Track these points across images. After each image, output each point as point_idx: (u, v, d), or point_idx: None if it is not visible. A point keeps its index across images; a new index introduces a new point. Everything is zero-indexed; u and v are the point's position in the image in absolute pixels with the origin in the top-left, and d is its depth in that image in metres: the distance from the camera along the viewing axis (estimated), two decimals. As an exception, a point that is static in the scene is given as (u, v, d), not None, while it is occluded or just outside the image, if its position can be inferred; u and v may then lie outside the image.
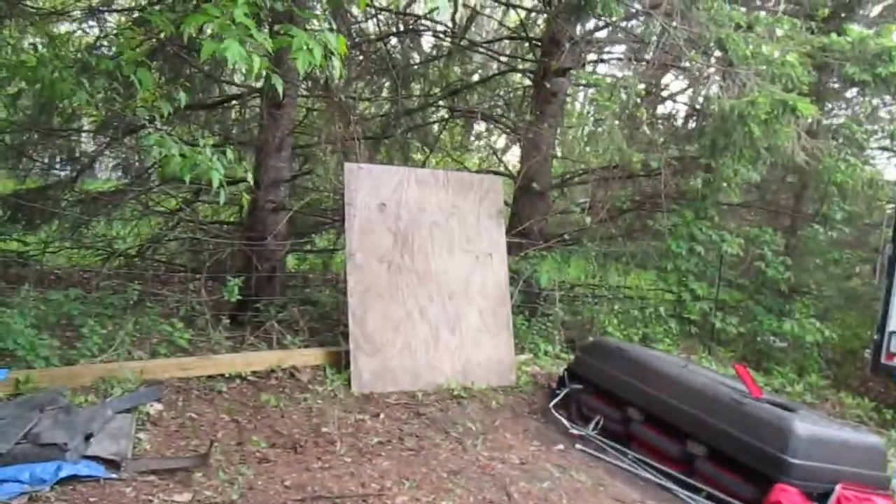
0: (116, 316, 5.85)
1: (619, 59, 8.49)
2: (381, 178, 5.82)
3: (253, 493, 3.64)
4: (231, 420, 4.62)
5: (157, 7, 6.41)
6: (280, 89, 3.17)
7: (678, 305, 7.88)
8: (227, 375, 5.22)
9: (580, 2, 5.63)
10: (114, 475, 3.64)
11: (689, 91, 10.31)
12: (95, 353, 5.15)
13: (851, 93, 9.50)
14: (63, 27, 8.42)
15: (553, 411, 5.51)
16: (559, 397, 5.66)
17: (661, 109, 10.98)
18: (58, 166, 8.91)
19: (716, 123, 5.83)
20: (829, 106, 9.87)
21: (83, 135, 8.83)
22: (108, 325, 5.64)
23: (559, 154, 9.03)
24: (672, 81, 10.92)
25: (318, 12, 3.06)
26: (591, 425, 5.27)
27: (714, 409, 4.55)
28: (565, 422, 5.35)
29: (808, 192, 9.51)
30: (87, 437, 3.86)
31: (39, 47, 3.80)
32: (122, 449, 3.86)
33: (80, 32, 8.69)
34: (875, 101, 8.86)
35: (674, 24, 5.63)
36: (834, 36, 6.60)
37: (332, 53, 3.00)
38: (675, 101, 10.62)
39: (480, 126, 10.20)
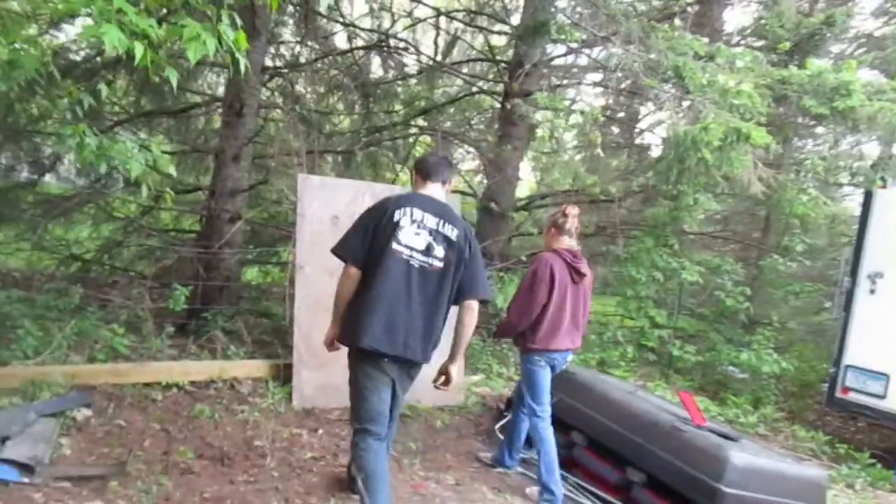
0: (60, 319, 5.73)
1: (585, 85, 8.55)
2: (336, 190, 5.77)
3: (168, 504, 3.54)
4: (161, 429, 4.51)
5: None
6: (174, 81, 3.13)
7: (637, 332, 7.86)
8: (164, 384, 5.11)
9: (535, 25, 5.66)
10: (26, 480, 3.53)
11: (661, 122, 10.49)
12: (30, 355, 5.04)
13: (819, 129, 9.64)
14: (32, 31, 8.38)
15: (498, 433, 5.43)
16: (506, 419, 5.59)
17: (639, 140, 11.14)
18: (20, 168, 8.81)
19: (671, 149, 5.87)
20: (798, 141, 10.02)
21: (47, 137, 8.76)
22: (52, 328, 5.53)
23: (525, 177, 9.06)
24: (651, 112, 11.07)
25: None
26: (535, 449, 5.20)
27: (654, 435, 4.48)
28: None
29: (773, 224, 9.59)
30: (3, 440, 3.76)
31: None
32: (39, 454, 3.75)
33: (48, 37, 8.67)
34: (836, 137, 8.97)
35: (631, 49, 5.67)
36: (794, 69, 6.69)
37: (233, 48, 2.96)
38: (653, 133, 10.75)
39: (451, 146, 10.22)
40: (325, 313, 5.45)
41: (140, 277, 6.80)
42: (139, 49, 2.75)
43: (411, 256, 3.39)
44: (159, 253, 6.70)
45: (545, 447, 4.43)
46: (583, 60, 8.59)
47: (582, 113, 5.84)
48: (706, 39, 6.79)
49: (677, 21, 7.68)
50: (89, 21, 2.98)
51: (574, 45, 6.70)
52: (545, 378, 4.56)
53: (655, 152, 10.61)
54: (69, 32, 8.48)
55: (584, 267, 4.55)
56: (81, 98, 3.41)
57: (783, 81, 6.59)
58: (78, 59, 8.00)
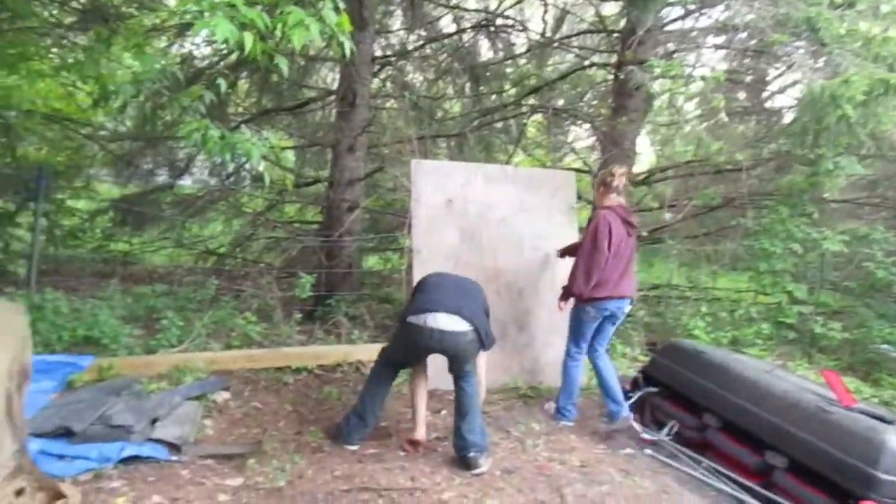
0: (197, 310, 6.12)
1: (704, 48, 8.04)
2: (448, 174, 5.78)
3: (301, 482, 3.68)
4: (293, 411, 4.71)
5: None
6: (284, 69, 3.20)
7: (774, 309, 7.35)
8: (294, 368, 5.35)
9: (651, -15, 5.38)
10: (174, 458, 3.78)
11: (794, 82, 9.72)
12: (174, 343, 5.42)
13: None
14: (162, 43, 8.97)
15: (624, 414, 5.25)
16: (632, 400, 5.39)
17: (769, 104, 10.38)
18: (158, 172, 9.50)
19: (806, 109, 5.39)
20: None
21: (180, 141, 9.39)
22: (191, 318, 5.92)
23: (643, 150, 8.69)
24: (781, 72, 10.29)
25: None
26: (665, 431, 4.99)
27: (796, 417, 4.17)
28: (636, 426, 5.09)
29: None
30: (154, 421, 4.04)
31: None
32: (185, 434, 4.01)
33: (176, 47, 9.26)
34: None
35: (756, 4, 5.26)
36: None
37: (336, 32, 2.99)
38: (784, 94, 9.98)
39: (564, 123, 9.98)
40: (443, 295, 5.51)
41: (268, 268, 7.13)
42: (248, 39, 2.84)
43: None
44: (285, 244, 7.00)
45: (571, 382, 5.06)
46: (701, 22, 8.09)
47: (703, 79, 5.48)
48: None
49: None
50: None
51: (691, 7, 6.32)
52: (591, 327, 5.00)
53: (788, 117, 9.89)
54: (192, 42, 9.04)
55: (635, 220, 4.98)
56: (203, 95, 3.59)
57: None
58: (203, 65, 8.49)
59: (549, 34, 9.07)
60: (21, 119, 8.35)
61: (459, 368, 4.19)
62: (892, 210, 9.03)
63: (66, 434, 3.80)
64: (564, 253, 5.59)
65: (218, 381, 4.88)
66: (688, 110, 8.15)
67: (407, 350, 4.26)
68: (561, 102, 9.12)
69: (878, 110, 5.30)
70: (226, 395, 4.79)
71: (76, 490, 3.22)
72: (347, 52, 3.11)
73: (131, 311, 5.81)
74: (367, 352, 5.65)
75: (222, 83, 3.66)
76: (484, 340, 4.17)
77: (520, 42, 9.29)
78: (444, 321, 4.04)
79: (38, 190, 5.89)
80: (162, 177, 9.28)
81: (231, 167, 9.01)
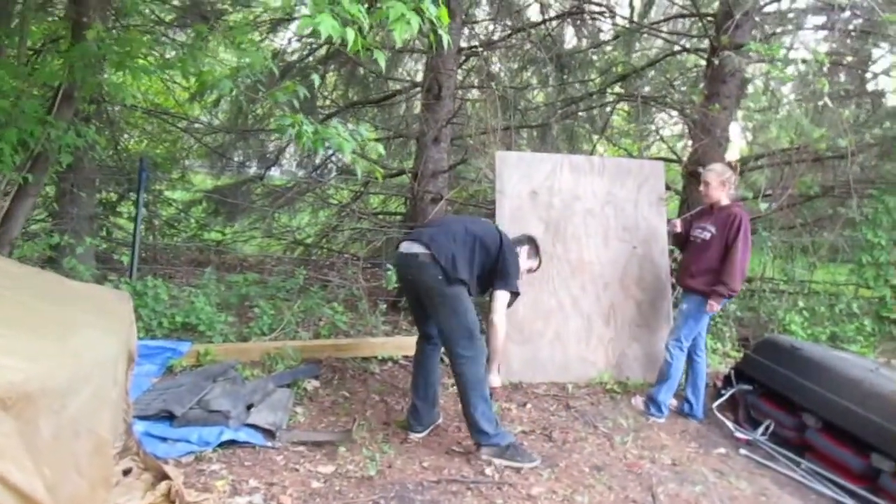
0: (287, 299, 6.31)
1: (805, 30, 7.61)
2: (533, 165, 5.72)
3: (391, 472, 3.74)
4: (380, 400, 4.79)
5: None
6: (382, 63, 3.22)
7: (876, 303, 6.96)
8: (380, 358, 5.44)
9: (748, -33, 5.11)
10: (269, 443, 3.92)
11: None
12: (266, 331, 5.60)
13: None
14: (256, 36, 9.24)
15: (716, 412, 5.09)
16: (724, 398, 5.23)
17: (871, 86, 9.77)
18: (248, 164, 9.84)
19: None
20: None
21: (271, 134, 9.68)
22: (281, 307, 6.11)
23: (735, 137, 8.31)
24: (884, 54, 9.66)
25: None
26: (760, 430, 4.81)
27: (906, 419, 3.95)
28: (730, 424, 4.93)
29: None
30: (249, 407, 4.19)
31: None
32: (278, 420, 4.14)
33: (268, 41, 9.54)
34: None
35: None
36: None
37: (436, 25, 2.99)
38: (888, 76, 9.36)
39: (653, 112, 9.69)
40: (527, 288, 5.48)
41: (354, 259, 7.26)
42: (351, 35, 2.89)
43: None
44: (370, 235, 7.11)
45: (675, 376, 5.00)
46: (800, 2, 7.66)
47: (804, 61, 5.20)
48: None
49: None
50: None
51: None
52: (708, 322, 5.19)
53: (892, 100, 9.27)
54: (283, 37, 9.29)
55: None
56: (297, 90, 3.67)
57: None
58: (294, 59, 8.71)
59: (637, 19, 8.82)
60: (124, 113, 8.82)
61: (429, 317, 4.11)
62: None
63: (167, 417, 3.97)
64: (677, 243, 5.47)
65: (308, 369, 5.02)
66: (784, 94, 7.75)
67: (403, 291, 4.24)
68: (648, 90, 8.85)
69: None
70: (315, 383, 4.92)
71: (179, 472, 3.37)
72: (446, 45, 3.11)
73: (224, 298, 6.04)
74: (452, 343, 5.69)
75: (316, 78, 3.74)
76: (448, 271, 3.80)
77: (607, 28, 9.08)
78: (406, 245, 3.97)
79: (140, 181, 6.18)
80: (252, 168, 9.60)
81: (319, 159, 9.25)
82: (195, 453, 3.71)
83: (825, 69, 5.94)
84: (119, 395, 3.05)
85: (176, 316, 5.45)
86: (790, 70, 5.89)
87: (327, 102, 9.19)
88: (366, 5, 3.03)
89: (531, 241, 4.46)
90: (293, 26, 9.44)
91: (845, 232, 7.21)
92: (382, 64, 3.22)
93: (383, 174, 4.63)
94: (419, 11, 2.91)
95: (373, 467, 3.73)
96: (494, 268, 4.01)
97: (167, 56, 6.91)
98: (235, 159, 9.83)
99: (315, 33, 2.93)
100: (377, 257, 7.33)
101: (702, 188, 4.98)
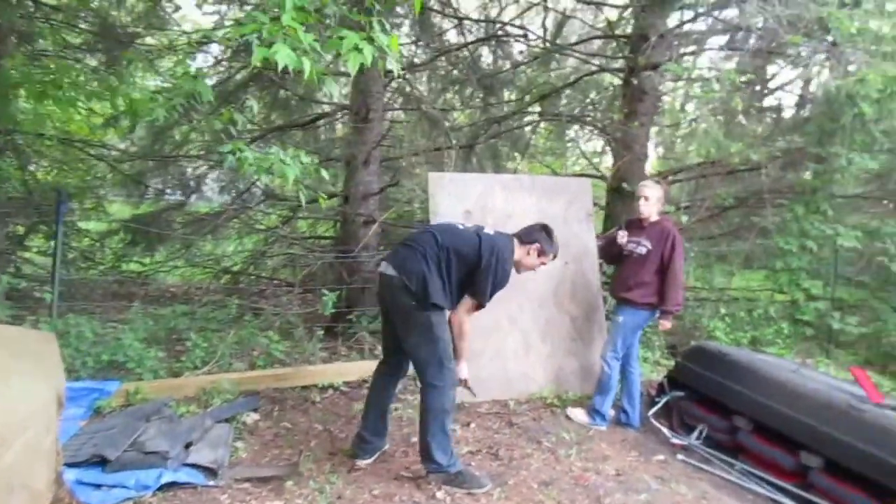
0: (219, 329, 6.12)
1: (718, 49, 8.04)
2: (466, 185, 5.79)
3: (342, 502, 3.67)
4: (324, 430, 4.70)
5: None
6: (334, 92, 3.22)
7: (790, 306, 7.37)
8: (320, 386, 5.34)
9: (666, -7, 5.39)
10: (211, 482, 3.77)
11: (796, 79, 9.74)
12: (199, 365, 5.41)
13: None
14: (170, 63, 8.99)
15: (652, 420, 5.26)
16: (659, 405, 5.40)
17: (767, 101, 10.42)
18: (168, 191, 9.51)
19: (821, 107, 5.40)
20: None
21: (192, 160, 9.40)
22: (213, 338, 5.92)
23: (657, 153, 8.70)
24: (780, 71, 10.33)
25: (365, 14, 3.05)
26: (695, 435, 5.00)
27: (830, 416, 4.17)
28: (666, 431, 5.10)
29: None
30: (188, 446, 4.03)
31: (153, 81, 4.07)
32: (219, 457, 4.00)
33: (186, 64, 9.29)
34: None
35: (769, 6, 5.28)
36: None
37: (387, 53, 3.02)
38: (784, 91, 10.03)
39: (573, 130, 9.99)
40: (465, 308, 5.51)
41: (287, 285, 7.13)
42: (307, 64, 2.88)
43: None
44: (304, 261, 6.99)
45: (613, 385, 5.21)
46: (700, 25, 8.08)
47: (717, 80, 5.50)
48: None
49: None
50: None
51: (701, 10, 6.33)
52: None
53: (787, 113, 9.91)
54: (202, 60, 9.08)
55: None
56: (234, 117, 3.60)
57: (945, 21, 5.92)
58: (212, 82, 8.51)
59: (551, 40, 9.08)
60: (30, 141, 8.37)
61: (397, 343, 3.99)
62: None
63: (100, 462, 3.78)
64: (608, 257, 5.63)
65: (247, 402, 4.87)
66: (697, 112, 8.15)
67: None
68: (567, 108, 9.12)
69: (891, 107, 5.32)
70: (255, 416, 4.78)
71: (118, 520, 3.21)
72: (397, 72, 3.13)
73: (152, 332, 5.80)
74: (392, 366, 5.65)
75: (254, 105, 3.70)
76: (418, 295, 3.75)
77: (523, 49, 9.31)
78: (384, 265, 3.93)
79: (59, 213, 5.87)
80: (175, 196, 9.29)
81: (243, 184, 9.04)
82: (133, 499, 3.54)
83: (736, 86, 6.28)
84: (52, 444, 2.88)
85: (102, 354, 5.18)
86: (698, 88, 6.21)
87: (248, 126, 9.01)
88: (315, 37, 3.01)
89: (544, 234, 4.25)
90: (213, 49, 9.27)
91: (759, 240, 7.61)
92: (335, 92, 3.22)
93: (326, 199, 4.58)
94: (371, 40, 2.92)
95: (322, 499, 3.65)
96: (472, 279, 3.90)
97: (81, 82, 6.61)
98: (153, 187, 9.48)
99: (231, 58, 2.93)
100: (309, 283, 7.21)
101: (640, 203, 5.12)
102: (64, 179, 9.03)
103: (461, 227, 4.13)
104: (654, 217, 5.10)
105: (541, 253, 4.23)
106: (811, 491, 4.13)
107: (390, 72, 3.36)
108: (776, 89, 10.00)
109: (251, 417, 4.73)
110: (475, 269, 3.86)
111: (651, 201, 5.08)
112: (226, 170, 8.51)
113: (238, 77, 8.36)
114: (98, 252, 9.10)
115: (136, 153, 9.19)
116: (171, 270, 9.10)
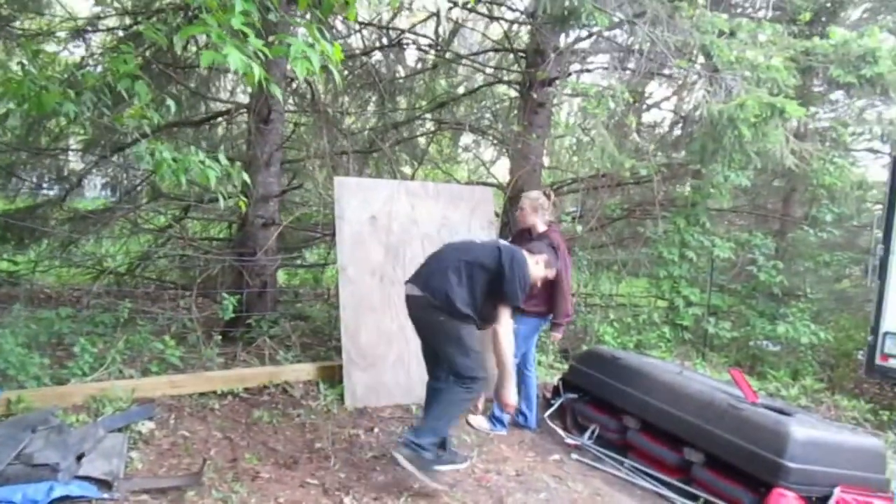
0: (107, 334, 5.81)
1: (605, 69, 8.49)
2: (372, 191, 5.80)
3: (247, 512, 3.60)
4: (224, 437, 4.57)
5: (150, 20, 6.44)
6: (279, 96, 3.18)
7: (671, 312, 7.88)
8: (219, 392, 5.18)
9: (565, 12, 5.65)
10: (106, 495, 3.59)
11: (674, 98, 10.44)
12: (87, 371, 5.11)
13: (836, 95, 9.57)
14: (50, 48, 8.41)
15: (548, 421, 5.48)
16: (554, 407, 5.64)
17: (646, 118, 11.09)
18: (46, 186, 8.88)
19: (705, 129, 5.85)
20: (815, 109, 9.97)
21: (72, 154, 8.83)
22: (100, 343, 5.60)
23: (548, 164, 9.04)
24: (656, 89, 11.01)
25: (309, 22, 3.10)
26: (587, 435, 5.25)
27: (710, 415, 4.52)
28: (561, 432, 5.33)
29: (796, 195, 9.56)
30: (79, 457, 3.82)
31: (25, 64, 3.79)
32: (114, 469, 3.81)
33: (66, 52, 8.71)
34: (860, 103, 8.93)
35: (658, 31, 5.66)
36: (817, 39, 6.65)
37: (329, 62, 3.04)
38: (660, 109, 10.70)
39: (468, 138, 10.21)
40: (370, 313, 5.54)
41: (182, 288, 6.85)
42: (257, 70, 2.87)
43: None
44: (202, 263, 6.73)
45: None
46: (584, 44, 8.48)
47: (613, 97, 5.84)
48: (725, 15, 6.75)
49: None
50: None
51: (595, 30, 6.68)
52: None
53: (663, 129, 10.60)
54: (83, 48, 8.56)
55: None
56: (149, 115, 3.45)
57: (807, 53, 6.56)
58: (95, 73, 8.02)
59: (444, 48, 9.24)
60: None
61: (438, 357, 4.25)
62: (762, 217, 9.92)
63: (-20, 477, 3.52)
64: None
65: (141, 411, 4.65)
66: (589, 126, 8.57)
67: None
68: (468, 117, 9.31)
69: (765, 129, 5.83)
70: (150, 424, 4.57)
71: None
72: (338, 78, 3.13)
73: (33, 337, 5.41)
74: (293, 372, 5.57)
75: (172, 104, 3.56)
76: (445, 309, 4.03)
77: (418, 57, 9.43)
78: (409, 287, 4.25)
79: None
80: (51, 191, 8.67)
81: (126, 182, 8.58)
82: (20, 516, 3.31)
83: (627, 103, 6.67)
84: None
85: (-23, 361, 4.79)
86: (592, 103, 6.54)
87: (134, 123, 8.53)
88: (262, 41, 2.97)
89: (550, 250, 4.73)
90: (96, 38, 8.75)
91: (644, 249, 8.09)
92: (279, 96, 3.16)
93: (246, 203, 4.47)
94: (312, 47, 2.90)
95: (227, 510, 3.57)
96: (500, 288, 4.11)
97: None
98: (27, 180, 8.82)
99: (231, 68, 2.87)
100: (201, 286, 6.94)
101: (518, 213, 5.38)
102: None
103: (479, 241, 4.54)
104: (541, 227, 5.25)
105: (547, 265, 4.60)
106: (694, 485, 4.45)
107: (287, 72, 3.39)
108: (652, 106, 10.68)
109: (146, 426, 4.52)
110: (499, 277, 4.11)
111: (526, 211, 5.29)
112: (114, 167, 8.12)
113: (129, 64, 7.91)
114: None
115: (8, 143, 8.51)
116: (47, 270, 8.49)
